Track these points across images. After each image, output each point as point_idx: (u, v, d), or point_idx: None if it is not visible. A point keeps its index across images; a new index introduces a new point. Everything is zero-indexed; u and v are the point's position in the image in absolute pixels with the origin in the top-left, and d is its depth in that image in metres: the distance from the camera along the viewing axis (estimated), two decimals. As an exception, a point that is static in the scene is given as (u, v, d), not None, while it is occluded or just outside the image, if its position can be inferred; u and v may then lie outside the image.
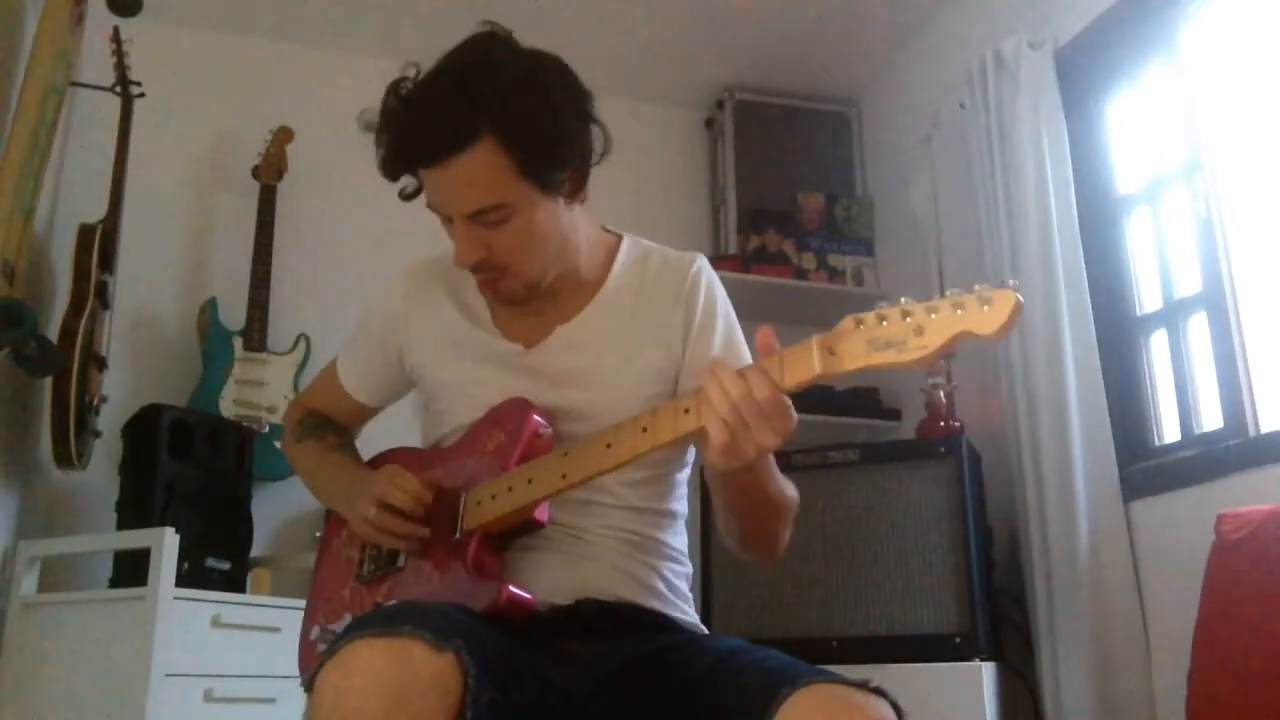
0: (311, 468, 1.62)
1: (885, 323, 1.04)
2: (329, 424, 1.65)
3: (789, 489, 1.33)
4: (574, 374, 1.42)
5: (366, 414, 1.67)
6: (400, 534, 1.38)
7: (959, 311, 1.00)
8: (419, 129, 1.32)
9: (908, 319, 1.02)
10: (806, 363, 1.08)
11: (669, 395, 1.41)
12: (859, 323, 1.05)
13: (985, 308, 0.99)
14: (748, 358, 1.43)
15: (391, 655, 1.04)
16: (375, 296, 1.61)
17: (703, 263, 1.50)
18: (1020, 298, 0.98)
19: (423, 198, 1.39)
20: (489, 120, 1.28)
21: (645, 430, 1.21)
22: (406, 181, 1.40)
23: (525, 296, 1.43)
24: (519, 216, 1.34)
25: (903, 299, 1.04)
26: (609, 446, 1.23)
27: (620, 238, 1.53)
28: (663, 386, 1.42)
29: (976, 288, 1.00)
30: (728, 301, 1.50)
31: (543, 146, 1.32)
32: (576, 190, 1.39)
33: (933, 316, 1.01)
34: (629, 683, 1.25)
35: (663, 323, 1.44)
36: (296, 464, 1.66)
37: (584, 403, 1.40)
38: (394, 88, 1.36)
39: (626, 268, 1.49)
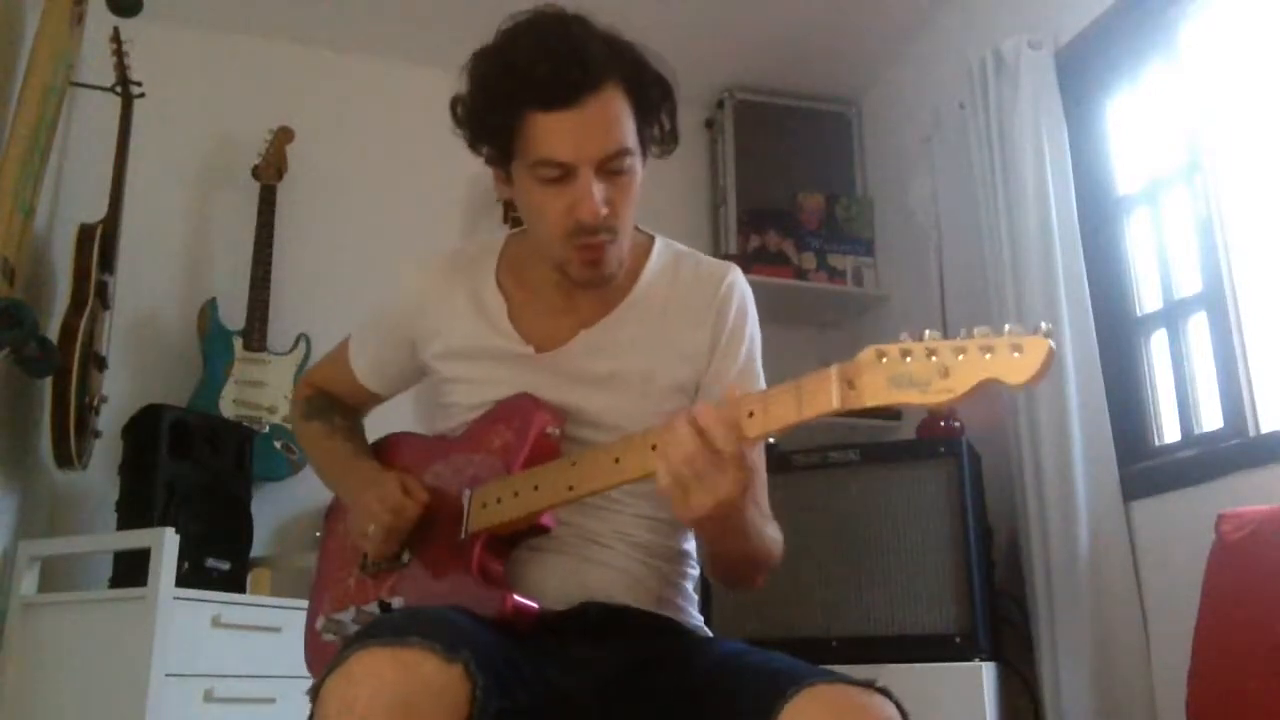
0: (316, 452, 1.62)
1: (909, 359, 0.98)
2: (335, 406, 1.63)
3: (769, 541, 1.30)
4: (592, 378, 1.39)
5: (374, 400, 1.66)
6: (393, 550, 1.40)
7: (987, 356, 0.95)
8: (557, 65, 1.25)
9: (933, 358, 0.97)
10: (825, 396, 1.04)
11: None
12: (881, 355, 1.00)
13: (1016, 354, 0.94)
14: (763, 381, 1.42)
15: (400, 666, 1.02)
16: (391, 286, 1.57)
17: (736, 275, 1.46)
18: (1053, 345, 0.94)
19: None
20: (616, 64, 1.28)
21: (655, 448, 1.18)
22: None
23: (616, 271, 1.37)
24: (633, 173, 1.32)
25: (927, 332, 0.99)
26: (617, 461, 1.21)
27: (652, 239, 1.49)
28: (682, 399, 1.39)
29: (1007, 329, 0.95)
30: (756, 320, 1.46)
31: (654, 99, 1.33)
32: (643, 161, 1.36)
33: (959, 358, 0.96)
34: (632, 686, 1.25)
35: (689, 336, 1.41)
36: (302, 442, 1.67)
37: (599, 408, 1.38)
38: (508, 32, 1.31)
39: (657, 273, 1.45)
